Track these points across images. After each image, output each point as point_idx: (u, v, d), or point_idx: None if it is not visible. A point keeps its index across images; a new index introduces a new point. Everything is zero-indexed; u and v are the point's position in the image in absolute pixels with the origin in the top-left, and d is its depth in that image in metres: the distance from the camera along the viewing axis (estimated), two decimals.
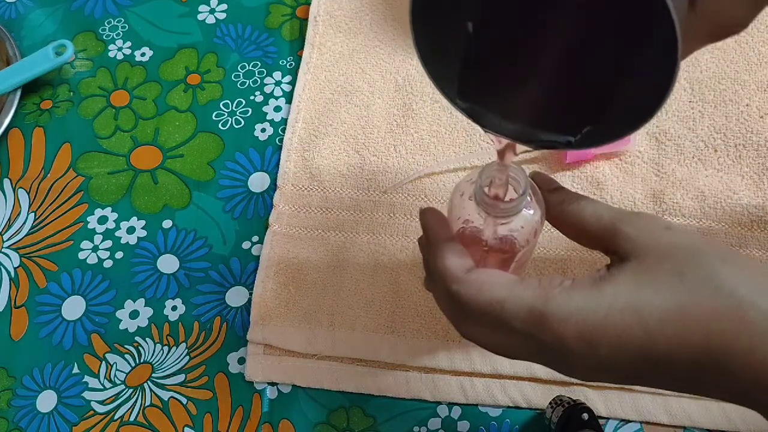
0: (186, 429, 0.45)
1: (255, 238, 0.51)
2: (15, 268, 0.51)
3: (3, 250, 0.52)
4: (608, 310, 0.26)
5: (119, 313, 0.49)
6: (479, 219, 0.32)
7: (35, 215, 0.53)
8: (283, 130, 0.54)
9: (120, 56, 0.60)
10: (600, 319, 0.26)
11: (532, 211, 0.32)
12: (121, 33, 0.61)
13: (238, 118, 0.56)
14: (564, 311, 0.26)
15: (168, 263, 0.51)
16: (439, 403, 0.45)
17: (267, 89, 0.57)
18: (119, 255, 0.51)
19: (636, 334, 0.25)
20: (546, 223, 0.33)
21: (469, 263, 0.30)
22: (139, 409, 0.46)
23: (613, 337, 0.26)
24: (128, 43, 0.60)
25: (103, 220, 0.52)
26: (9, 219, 0.53)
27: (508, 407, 0.44)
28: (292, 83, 0.57)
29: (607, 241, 0.29)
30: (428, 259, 0.32)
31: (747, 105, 0.51)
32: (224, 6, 0.61)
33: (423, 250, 0.34)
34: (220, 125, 0.56)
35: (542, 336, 0.27)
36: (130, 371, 0.47)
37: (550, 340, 0.26)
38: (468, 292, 0.29)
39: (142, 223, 0.52)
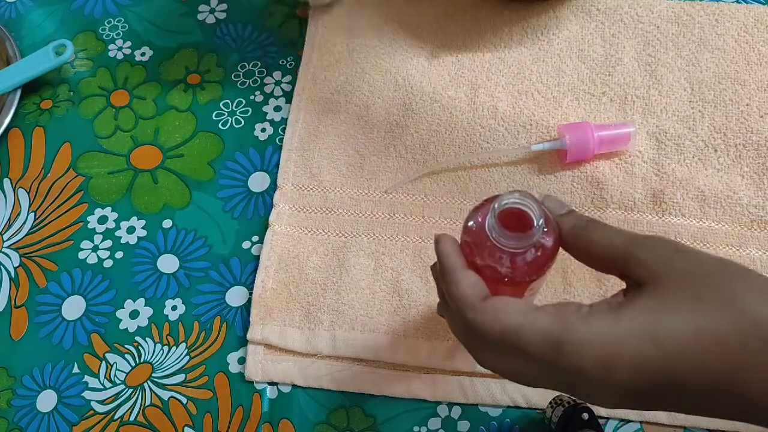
0: (186, 429, 0.45)
1: (255, 238, 0.51)
2: (15, 268, 0.51)
3: (3, 250, 0.52)
4: (626, 336, 0.26)
5: (119, 313, 0.49)
6: (493, 249, 0.32)
7: (35, 215, 0.53)
8: (283, 130, 0.54)
9: (120, 56, 0.60)
10: (617, 344, 0.26)
11: (546, 239, 0.32)
12: (121, 33, 0.61)
13: (238, 117, 0.56)
14: (581, 337, 0.26)
15: (168, 263, 0.51)
16: (439, 403, 0.45)
17: (267, 89, 0.57)
18: (119, 255, 0.51)
19: (654, 358, 0.25)
20: None
21: (485, 291, 0.30)
22: (139, 408, 0.46)
23: (630, 362, 0.26)
24: (128, 43, 0.60)
25: (103, 219, 0.52)
26: (9, 219, 0.53)
27: (508, 407, 0.44)
28: (292, 83, 0.57)
29: (621, 266, 0.29)
30: (443, 287, 0.33)
31: (747, 105, 0.51)
32: (224, 6, 0.61)
33: (436, 277, 0.34)
34: (220, 125, 0.56)
35: (560, 362, 0.27)
36: (130, 371, 0.47)
37: (568, 366, 0.27)
38: (484, 319, 0.29)
39: (142, 222, 0.52)
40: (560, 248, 0.32)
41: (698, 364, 0.25)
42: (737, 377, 0.25)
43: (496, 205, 0.31)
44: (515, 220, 0.31)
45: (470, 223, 0.33)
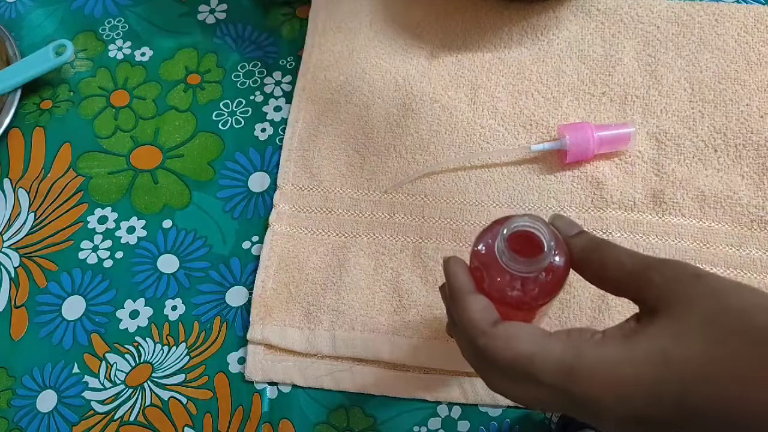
0: (186, 429, 0.45)
1: (255, 238, 0.51)
2: (15, 268, 0.51)
3: (3, 250, 0.52)
4: (641, 365, 0.26)
5: (119, 313, 0.49)
6: (503, 273, 0.31)
7: (35, 215, 0.53)
8: (283, 130, 0.54)
9: (120, 56, 0.60)
10: (633, 375, 0.26)
11: (556, 262, 0.31)
12: (121, 33, 0.61)
13: (238, 117, 0.56)
14: (596, 367, 0.26)
15: (168, 263, 0.51)
16: (439, 403, 0.45)
17: (267, 89, 0.57)
18: (119, 255, 0.51)
19: (671, 389, 0.25)
20: None
21: (495, 315, 0.30)
22: (139, 408, 0.46)
23: (647, 391, 0.25)
24: (128, 43, 0.60)
25: (103, 220, 0.52)
26: (9, 219, 0.53)
27: (508, 407, 0.44)
28: (292, 83, 0.57)
29: (633, 289, 0.29)
30: (452, 310, 0.32)
31: (747, 105, 0.51)
32: (224, 6, 0.61)
33: (445, 299, 0.34)
34: (220, 125, 0.56)
35: (574, 391, 0.26)
36: (130, 371, 0.47)
37: (583, 395, 0.26)
38: (495, 346, 0.29)
39: (142, 223, 0.52)
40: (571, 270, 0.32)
41: (716, 393, 0.25)
42: (753, 405, 0.24)
43: (505, 230, 0.31)
44: (525, 244, 0.31)
45: (479, 247, 0.33)
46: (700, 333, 0.25)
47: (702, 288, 0.27)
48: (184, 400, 0.46)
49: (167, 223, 0.52)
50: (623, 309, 0.45)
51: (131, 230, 0.52)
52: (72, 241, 0.52)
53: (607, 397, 0.26)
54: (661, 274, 0.28)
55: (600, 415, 0.27)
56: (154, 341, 0.48)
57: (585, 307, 0.46)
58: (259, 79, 0.57)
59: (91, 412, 0.46)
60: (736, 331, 0.25)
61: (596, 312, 0.45)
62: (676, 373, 0.25)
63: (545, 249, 0.30)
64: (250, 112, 0.56)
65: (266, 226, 0.50)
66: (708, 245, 0.47)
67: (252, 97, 0.57)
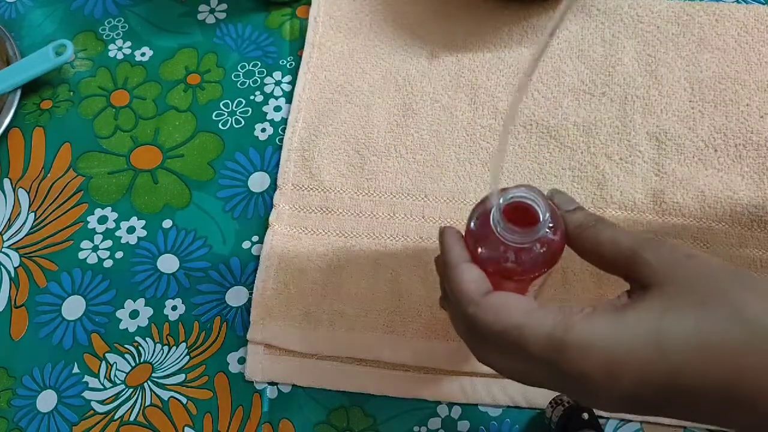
0: (186, 429, 0.45)
1: (255, 238, 0.51)
2: (15, 268, 0.51)
3: (3, 250, 0.52)
4: (631, 342, 0.26)
5: (119, 313, 0.49)
6: (498, 244, 0.31)
7: (35, 215, 0.53)
8: (283, 130, 0.54)
9: (120, 56, 0.60)
10: (622, 350, 0.25)
11: (551, 235, 0.31)
12: (121, 33, 0.61)
13: (238, 117, 0.56)
14: (585, 341, 0.26)
15: (168, 263, 0.51)
16: (439, 403, 0.45)
17: (267, 89, 0.57)
18: (119, 255, 0.51)
19: (660, 367, 0.25)
20: None
21: (487, 286, 0.30)
22: (139, 408, 0.46)
23: (636, 369, 0.25)
24: (128, 43, 0.60)
25: (103, 220, 0.52)
26: (9, 219, 0.53)
27: (508, 407, 0.44)
28: (292, 83, 0.57)
29: (627, 267, 0.29)
30: (445, 280, 0.32)
31: (747, 105, 0.51)
32: (224, 6, 0.61)
33: (439, 269, 0.34)
34: (220, 125, 0.56)
35: (562, 365, 0.26)
36: (130, 371, 0.47)
37: (571, 370, 0.26)
38: (485, 315, 0.28)
39: (142, 222, 0.52)
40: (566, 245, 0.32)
41: (703, 375, 0.25)
42: (744, 391, 0.24)
43: (501, 200, 0.31)
44: (521, 215, 0.31)
45: (475, 218, 0.33)
46: (691, 316, 0.25)
47: (694, 269, 0.27)
48: (184, 400, 0.46)
49: (167, 223, 0.52)
50: None
51: (131, 230, 0.52)
52: (72, 241, 0.52)
53: (597, 375, 0.26)
54: (653, 252, 0.28)
55: (589, 392, 0.27)
56: (154, 341, 0.48)
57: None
58: (259, 79, 0.57)
59: (91, 412, 0.46)
60: (724, 315, 0.25)
61: None
62: (665, 356, 0.25)
63: (540, 220, 0.30)
64: (250, 112, 0.56)
65: (266, 226, 0.50)
66: (708, 245, 0.47)
67: (252, 97, 0.57)
